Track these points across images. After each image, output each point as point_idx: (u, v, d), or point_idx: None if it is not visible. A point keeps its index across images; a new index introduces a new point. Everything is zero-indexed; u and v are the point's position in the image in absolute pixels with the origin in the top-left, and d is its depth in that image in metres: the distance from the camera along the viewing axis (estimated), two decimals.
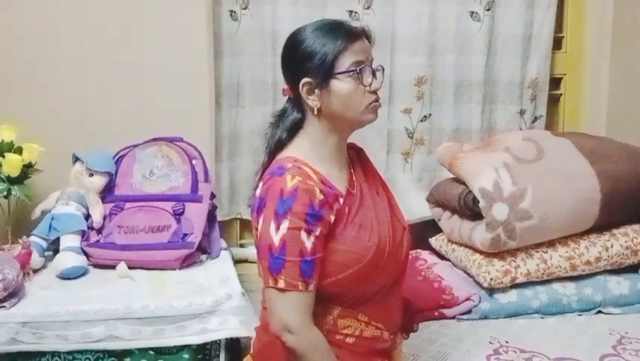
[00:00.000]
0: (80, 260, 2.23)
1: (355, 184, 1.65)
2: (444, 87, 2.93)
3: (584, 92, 3.11)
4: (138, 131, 2.51)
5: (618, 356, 2.01)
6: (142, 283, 2.16)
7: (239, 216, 2.91)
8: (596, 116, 3.05)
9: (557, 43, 3.08)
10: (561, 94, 3.15)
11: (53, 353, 1.96)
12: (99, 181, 2.39)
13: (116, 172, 2.44)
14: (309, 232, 1.48)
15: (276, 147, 1.64)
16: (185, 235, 2.31)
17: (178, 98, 2.60)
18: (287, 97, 1.66)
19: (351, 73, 1.55)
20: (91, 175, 2.38)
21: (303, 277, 1.47)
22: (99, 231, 2.34)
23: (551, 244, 2.40)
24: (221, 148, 2.82)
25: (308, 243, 1.48)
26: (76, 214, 2.33)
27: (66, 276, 2.19)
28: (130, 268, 2.23)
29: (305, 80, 1.56)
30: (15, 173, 2.31)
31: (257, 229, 1.55)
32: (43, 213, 2.38)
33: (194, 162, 2.45)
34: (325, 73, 1.55)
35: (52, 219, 2.32)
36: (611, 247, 2.41)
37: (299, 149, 1.61)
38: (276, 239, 1.47)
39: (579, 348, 2.06)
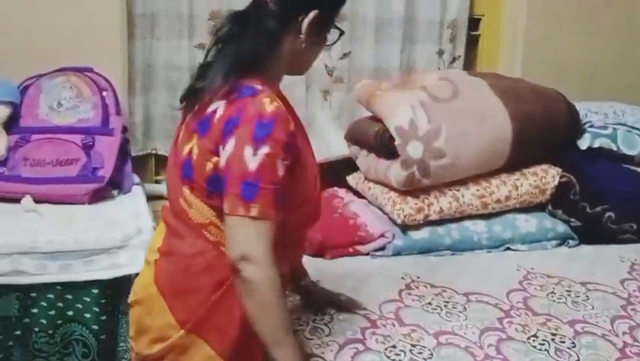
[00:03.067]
0: None
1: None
2: (364, 24, 2.91)
3: (502, 34, 3.15)
4: (44, 61, 2.42)
5: (524, 291, 2.07)
6: (49, 217, 2.11)
7: (154, 152, 2.85)
8: (511, 58, 3.10)
9: None
10: (479, 35, 3.18)
11: None
12: (2, 112, 2.31)
13: (21, 103, 2.35)
14: (283, 160, 1.38)
15: (251, 62, 1.44)
16: (95, 168, 2.26)
17: (87, 26, 2.50)
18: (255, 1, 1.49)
19: (336, 30, 1.53)
20: None
21: (276, 206, 1.38)
22: (3, 163, 2.27)
23: (464, 182, 2.44)
24: (135, 81, 2.74)
25: (281, 172, 1.38)
26: None
27: None
28: (36, 202, 2.17)
29: (320, 12, 1.46)
30: None
31: (212, 152, 1.41)
32: None
33: (104, 93, 2.38)
34: (332, 18, 1.50)
35: None
36: (521, 185, 2.47)
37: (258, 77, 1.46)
38: (253, 165, 1.34)
39: (487, 284, 2.11)
